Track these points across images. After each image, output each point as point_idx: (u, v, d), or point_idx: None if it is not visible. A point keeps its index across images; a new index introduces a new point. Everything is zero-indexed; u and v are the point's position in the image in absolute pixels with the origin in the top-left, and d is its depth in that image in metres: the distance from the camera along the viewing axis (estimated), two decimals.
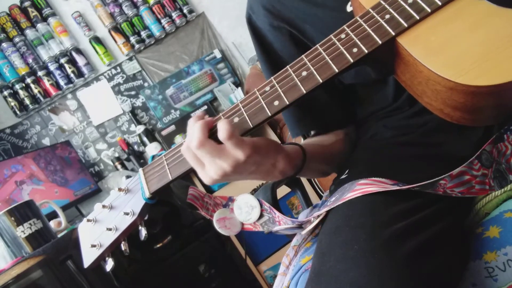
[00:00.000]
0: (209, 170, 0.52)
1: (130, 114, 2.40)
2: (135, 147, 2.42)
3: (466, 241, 0.51)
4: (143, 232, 0.57)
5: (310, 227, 0.57)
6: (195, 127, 0.51)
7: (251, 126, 0.52)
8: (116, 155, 2.39)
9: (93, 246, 0.57)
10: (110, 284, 1.51)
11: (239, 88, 2.46)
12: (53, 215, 1.75)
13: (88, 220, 0.60)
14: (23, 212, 1.37)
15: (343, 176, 0.64)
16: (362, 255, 0.43)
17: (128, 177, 0.62)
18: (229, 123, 0.49)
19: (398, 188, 0.49)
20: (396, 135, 0.67)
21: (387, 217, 0.48)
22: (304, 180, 2.01)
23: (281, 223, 0.59)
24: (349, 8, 0.63)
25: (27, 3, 2.36)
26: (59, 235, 1.43)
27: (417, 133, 0.64)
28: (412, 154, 0.63)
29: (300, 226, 0.58)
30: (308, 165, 0.63)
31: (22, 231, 1.34)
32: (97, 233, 0.58)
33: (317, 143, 0.72)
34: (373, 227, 0.47)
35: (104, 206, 0.60)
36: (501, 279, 0.45)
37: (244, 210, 0.61)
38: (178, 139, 2.40)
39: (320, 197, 2.06)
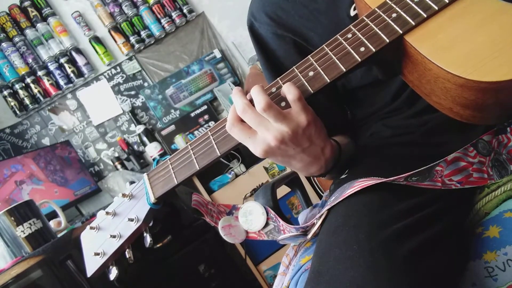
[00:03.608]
0: (266, 136, 0.50)
1: (130, 114, 2.40)
2: (135, 147, 2.42)
3: (466, 241, 0.51)
4: (148, 238, 0.56)
5: (313, 229, 0.57)
6: (256, 91, 0.49)
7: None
8: (116, 155, 2.39)
9: (97, 254, 0.56)
10: (110, 284, 1.51)
11: None
12: (53, 215, 1.75)
13: (91, 228, 0.58)
14: (23, 212, 1.37)
15: (343, 176, 0.64)
16: (361, 255, 0.43)
17: (131, 182, 0.61)
18: (295, 86, 0.49)
19: (396, 177, 0.49)
20: (395, 135, 0.67)
21: (387, 217, 0.48)
22: (304, 180, 2.01)
23: (286, 232, 0.58)
24: (352, 13, 0.63)
25: (27, 3, 2.36)
26: (59, 235, 1.43)
27: (417, 133, 0.64)
28: (412, 154, 0.63)
29: (305, 233, 0.58)
30: (341, 162, 0.62)
31: (22, 231, 1.34)
32: (101, 241, 0.57)
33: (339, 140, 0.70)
34: (372, 227, 0.46)
35: (107, 213, 0.58)
36: (501, 279, 0.45)
37: (249, 218, 0.61)
38: (178, 138, 2.40)
39: (320, 197, 2.06)
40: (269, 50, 0.73)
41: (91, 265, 0.57)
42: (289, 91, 0.49)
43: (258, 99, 0.49)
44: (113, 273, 0.57)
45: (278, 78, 0.53)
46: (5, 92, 2.29)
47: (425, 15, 0.47)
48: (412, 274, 0.42)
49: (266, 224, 0.60)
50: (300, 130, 0.50)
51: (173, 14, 2.46)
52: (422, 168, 0.48)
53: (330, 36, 0.52)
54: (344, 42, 0.50)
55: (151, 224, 0.57)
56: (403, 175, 0.48)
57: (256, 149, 0.51)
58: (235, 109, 0.51)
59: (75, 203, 2.14)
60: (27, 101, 2.30)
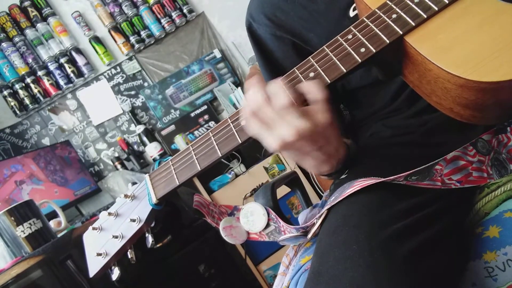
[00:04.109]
0: (285, 131, 0.48)
1: (130, 114, 2.40)
2: (135, 147, 2.42)
3: (466, 241, 0.51)
4: (150, 239, 0.56)
5: (313, 229, 0.57)
6: (277, 86, 0.48)
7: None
8: (116, 155, 2.39)
9: (99, 254, 0.56)
10: (110, 284, 1.51)
11: (239, 88, 2.46)
12: (53, 215, 1.75)
13: (94, 228, 0.59)
14: (23, 212, 1.37)
15: (343, 176, 0.64)
16: (361, 255, 0.43)
17: (133, 183, 0.62)
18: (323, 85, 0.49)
19: (395, 177, 0.49)
20: (395, 135, 0.67)
21: (386, 217, 0.48)
22: (304, 180, 2.02)
23: (286, 232, 0.58)
24: (352, 13, 0.63)
25: (27, 3, 2.36)
26: (59, 235, 1.43)
27: (417, 133, 0.64)
28: (412, 154, 0.63)
29: (305, 234, 0.58)
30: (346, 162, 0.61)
31: (22, 231, 1.34)
32: (103, 241, 0.57)
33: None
34: (372, 227, 0.46)
35: (109, 214, 0.58)
36: (500, 279, 0.45)
37: (250, 219, 0.61)
38: (178, 138, 2.40)
39: (320, 197, 2.06)
40: (268, 51, 0.73)
41: (94, 266, 0.57)
42: (314, 90, 0.48)
43: (280, 94, 0.48)
44: (115, 273, 0.57)
45: (279, 79, 0.53)
46: (5, 92, 2.29)
47: (425, 16, 0.47)
48: (412, 274, 0.42)
49: (267, 225, 0.60)
50: (319, 128, 0.49)
51: (173, 14, 2.46)
52: (422, 167, 0.48)
53: (329, 37, 0.52)
54: (344, 43, 0.50)
55: (152, 225, 0.57)
56: (403, 174, 0.49)
57: (272, 143, 0.50)
58: (254, 100, 0.49)
59: (75, 203, 2.14)
60: (27, 101, 2.31)
